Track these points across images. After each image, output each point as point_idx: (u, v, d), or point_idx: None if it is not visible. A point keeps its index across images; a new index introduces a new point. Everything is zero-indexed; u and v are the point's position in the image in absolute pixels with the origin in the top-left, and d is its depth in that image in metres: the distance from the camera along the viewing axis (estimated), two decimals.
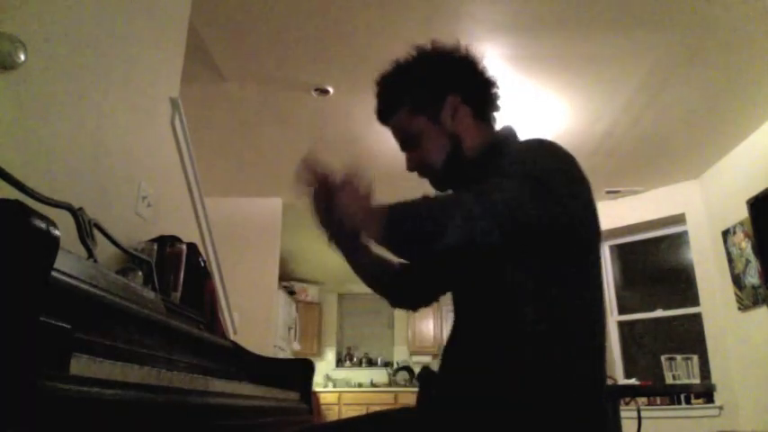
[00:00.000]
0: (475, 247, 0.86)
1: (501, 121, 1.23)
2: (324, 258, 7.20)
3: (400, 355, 8.09)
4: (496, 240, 0.85)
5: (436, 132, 1.13)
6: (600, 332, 1.01)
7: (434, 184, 1.17)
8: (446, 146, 1.12)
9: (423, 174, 1.16)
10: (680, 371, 3.33)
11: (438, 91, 1.14)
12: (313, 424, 1.54)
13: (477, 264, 1.02)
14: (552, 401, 0.92)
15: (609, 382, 3.30)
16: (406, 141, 1.17)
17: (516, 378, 0.94)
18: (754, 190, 3.86)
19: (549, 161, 0.99)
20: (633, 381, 3.27)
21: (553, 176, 0.94)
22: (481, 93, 1.18)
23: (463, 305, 1.11)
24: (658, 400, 4.60)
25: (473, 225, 0.85)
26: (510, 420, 0.91)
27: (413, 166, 1.17)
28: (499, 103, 1.20)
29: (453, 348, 1.07)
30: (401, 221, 0.90)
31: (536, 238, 0.90)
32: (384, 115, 1.19)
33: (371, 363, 8.05)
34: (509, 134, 1.17)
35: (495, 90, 1.19)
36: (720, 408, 4.25)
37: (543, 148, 1.04)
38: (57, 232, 0.67)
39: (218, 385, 1.03)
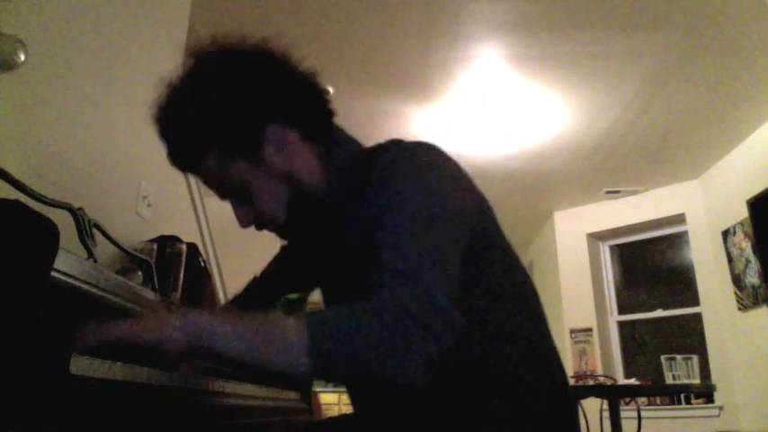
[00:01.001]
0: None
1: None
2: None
3: None
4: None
5: (263, 177, 0.85)
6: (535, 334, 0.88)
7: (282, 237, 0.97)
8: (282, 192, 0.86)
9: (266, 228, 0.90)
10: (680, 371, 3.33)
11: (248, 124, 0.84)
12: None
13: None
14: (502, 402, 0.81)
15: (608, 382, 3.31)
16: (226, 192, 0.89)
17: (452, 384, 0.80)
18: (754, 190, 3.86)
19: (423, 197, 0.78)
20: (633, 381, 3.27)
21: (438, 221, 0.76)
22: (305, 105, 0.88)
23: None
24: (658, 400, 4.60)
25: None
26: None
27: (246, 222, 0.89)
28: (330, 107, 0.92)
29: None
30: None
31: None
32: (185, 165, 0.91)
33: None
34: (349, 150, 0.92)
35: (320, 93, 0.91)
36: (720, 408, 4.25)
37: (409, 173, 0.80)
38: (57, 232, 0.67)
39: (217, 385, 1.03)
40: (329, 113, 0.92)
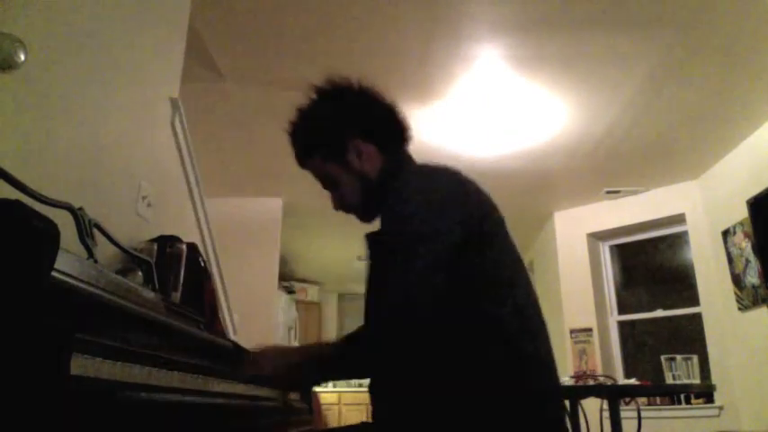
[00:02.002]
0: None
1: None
2: (324, 258, 7.20)
3: None
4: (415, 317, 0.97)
5: (348, 176, 1.22)
6: (529, 342, 1.02)
7: (360, 219, 1.27)
8: (358, 187, 1.22)
9: (347, 212, 1.26)
10: (680, 371, 3.34)
11: (339, 139, 1.22)
12: None
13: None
14: (500, 410, 0.96)
15: (608, 382, 3.31)
16: (325, 184, 1.28)
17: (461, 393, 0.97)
18: (754, 190, 3.86)
19: (414, 210, 1.04)
20: (633, 381, 3.27)
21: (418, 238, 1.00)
22: (380, 127, 1.24)
23: None
24: (658, 400, 4.60)
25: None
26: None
27: (336, 206, 1.28)
28: (404, 125, 1.27)
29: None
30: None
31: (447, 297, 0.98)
32: (300, 162, 1.30)
33: None
34: (401, 165, 1.22)
35: (394, 117, 1.26)
36: (720, 408, 4.25)
37: (412, 193, 1.08)
38: (57, 232, 0.67)
39: (217, 385, 1.03)
40: (402, 136, 1.27)
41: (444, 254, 0.99)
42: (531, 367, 1.01)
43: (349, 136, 1.21)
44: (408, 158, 1.26)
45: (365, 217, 1.25)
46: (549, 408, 1.02)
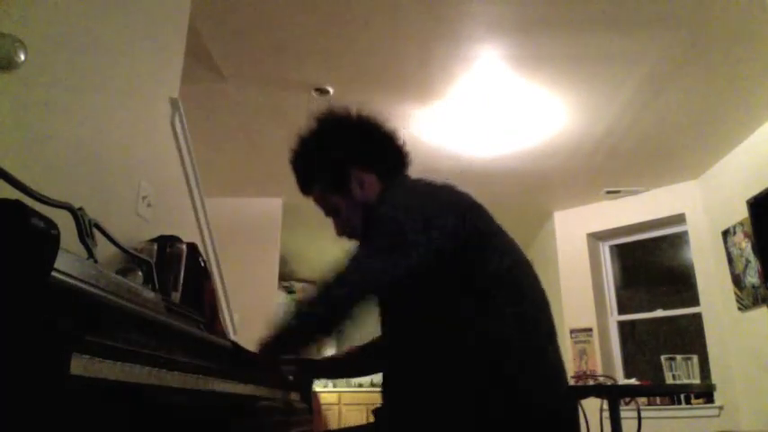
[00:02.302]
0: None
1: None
2: (324, 258, 7.19)
3: None
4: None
5: (350, 205, 1.25)
6: (521, 352, 1.04)
7: None
8: (360, 215, 1.24)
9: (350, 238, 1.29)
10: (680, 371, 3.34)
11: (340, 170, 1.25)
12: None
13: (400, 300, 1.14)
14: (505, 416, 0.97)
15: (608, 382, 3.31)
16: (327, 212, 1.31)
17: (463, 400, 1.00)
18: (754, 190, 3.86)
19: (394, 213, 1.09)
20: (633, 381, 3.27)
21: (395, 228, 1.06)
22: (379, 156, 1.27)
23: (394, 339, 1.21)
24: (658, 400, 4.60)
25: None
26: None
27: (340, 232, 1.31)
28: (402, 152, 1.30)
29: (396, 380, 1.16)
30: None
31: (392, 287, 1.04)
32: (303, 191, 1.33)
33: None
34: (390, 185, 1.26)
35: (393, 145, 1.28)
36: (720, 408, 4.25)
37: (393, 201, 1.14)
38: (57, 232, 0.67)
39: (218, 385, 1.03)
40: (401, 162, 1.29)
41: (415, 258, 1.02)
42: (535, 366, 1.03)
43: (350, 167, 1.24)
44: (405, 179, 1.28)
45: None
46: (553, 408, 1.02)
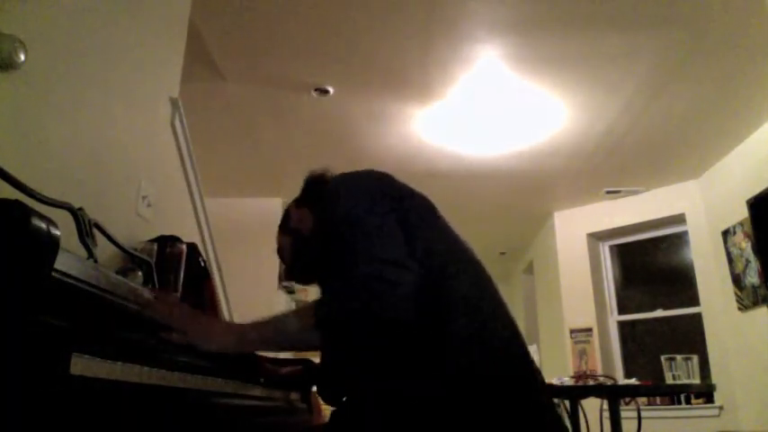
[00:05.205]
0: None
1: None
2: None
3: None
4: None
5: (286, 238, 1.45)
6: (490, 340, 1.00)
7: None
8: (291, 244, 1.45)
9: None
10: (680, 371, 3.33)
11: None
12: None
13: None
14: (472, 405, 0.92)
15: (608, 382, 3.31)
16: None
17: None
18: (754, 190, 3.86)
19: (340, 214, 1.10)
20: (633, 381, 3.27)
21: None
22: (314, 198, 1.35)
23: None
24: (658, 400, 4.61)
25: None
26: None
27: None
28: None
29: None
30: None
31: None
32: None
33: None
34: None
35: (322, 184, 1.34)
36: (720, 408, 4.25)
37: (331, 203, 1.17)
38: (57, 232, 0.67)
39: (218, 385, 1.03)
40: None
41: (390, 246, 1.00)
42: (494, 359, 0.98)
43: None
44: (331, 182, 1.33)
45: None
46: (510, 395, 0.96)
